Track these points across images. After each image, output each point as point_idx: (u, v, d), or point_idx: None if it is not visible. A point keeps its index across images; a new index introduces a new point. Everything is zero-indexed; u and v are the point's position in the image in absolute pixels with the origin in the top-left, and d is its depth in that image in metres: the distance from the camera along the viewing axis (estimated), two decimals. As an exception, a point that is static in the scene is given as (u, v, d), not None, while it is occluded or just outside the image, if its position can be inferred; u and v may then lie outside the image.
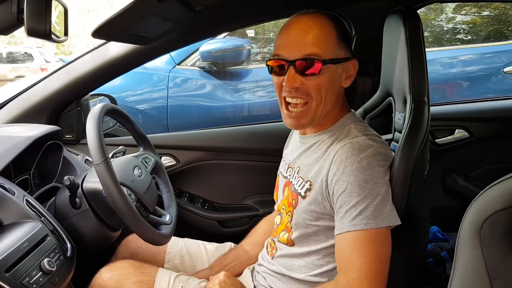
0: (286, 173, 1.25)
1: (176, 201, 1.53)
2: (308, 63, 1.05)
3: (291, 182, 1.20)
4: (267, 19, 1.90)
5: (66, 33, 1.03)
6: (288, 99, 1.10)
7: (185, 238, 1.53)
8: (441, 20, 4.06)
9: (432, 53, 3.38)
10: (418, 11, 1.61)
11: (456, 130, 2.03)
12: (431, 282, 1.57)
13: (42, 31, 0.77)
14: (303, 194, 1.12)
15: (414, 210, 1.14)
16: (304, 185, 1.12)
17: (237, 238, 1.58)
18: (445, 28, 4.04)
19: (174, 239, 1.49)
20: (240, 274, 1.38)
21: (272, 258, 1.24)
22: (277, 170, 1.36)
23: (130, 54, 1.63)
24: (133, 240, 1.47)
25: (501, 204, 0.68)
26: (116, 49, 1.64)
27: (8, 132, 1.44)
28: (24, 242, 0.99)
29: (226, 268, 1.38)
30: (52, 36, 0.86)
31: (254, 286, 1.28)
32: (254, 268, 1.35)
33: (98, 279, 1.23)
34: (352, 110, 1.22)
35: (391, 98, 1.43)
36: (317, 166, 1.10)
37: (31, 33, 0.77)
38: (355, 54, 1.58)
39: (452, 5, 3.92)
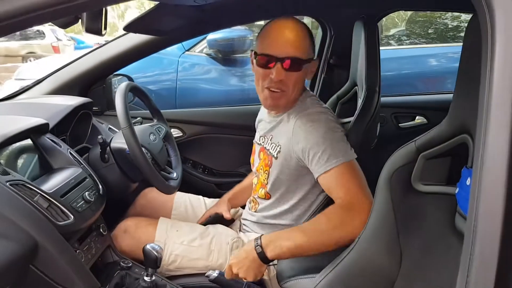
0: (260, 141, 1.53)
1: (182, 166, 1.83)
2: (293, 62, 1.28)
3: (265, 147, 1.48)
4: (261, 18, 2.21)
5: (105, 28, 1.35)
6: (272, 89, 1.33)
7: (189, 193, 1.88)
8: (446, 18, 4.25)
9: (436, 48, 3.63)
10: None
11: (417, 117, 2.37)
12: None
13: (97, 29, 1.08)
14: (275, 155, 1.41)
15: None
16: (276, 148, 1.41)
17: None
18: (449, 26, 4.24)
19: (180, 193, 1.83)
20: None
21: (256, 211, 1.56)
22: None
23: (148, 43, 1.92)
24: (149, 193, 1.83)
25: (402, 161, 0.93)
26: (137, 38, 1.93)
27: (52, 101, 1.78)
28: (71, 179, 1.34)
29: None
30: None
31: (241, 231, 1.62)
32: (241, 222, 1.67)
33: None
34: (307, 88, 1.46)
35: (356, 87, 1.77)
36: (284, 134, 1.38)
37: (89, 30, 1.08)
38: (334, 51, 1.91)
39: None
